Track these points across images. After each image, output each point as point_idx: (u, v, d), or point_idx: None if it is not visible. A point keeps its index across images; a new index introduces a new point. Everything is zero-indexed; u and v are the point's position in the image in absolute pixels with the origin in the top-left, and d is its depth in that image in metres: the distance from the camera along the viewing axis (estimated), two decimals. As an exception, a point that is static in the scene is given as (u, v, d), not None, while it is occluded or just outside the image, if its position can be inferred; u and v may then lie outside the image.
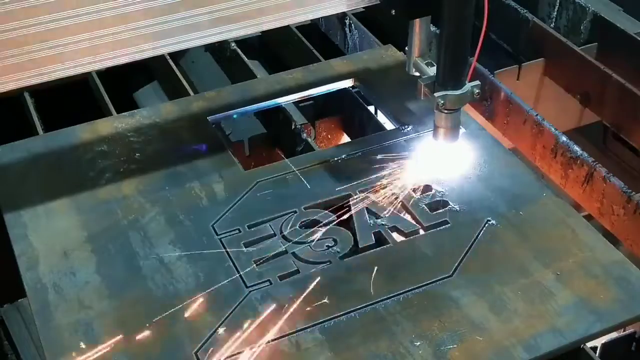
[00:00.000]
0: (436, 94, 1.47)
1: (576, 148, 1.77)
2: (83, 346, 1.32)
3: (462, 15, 1.39)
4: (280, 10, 1.47)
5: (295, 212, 1.55)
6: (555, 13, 2.36)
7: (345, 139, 2.01)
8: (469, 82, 1.48)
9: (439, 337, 1.32)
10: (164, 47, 1.46)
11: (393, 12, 1.48)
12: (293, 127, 1.84)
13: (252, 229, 1.52)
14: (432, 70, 1.52)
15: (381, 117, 1.87)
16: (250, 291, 1.40)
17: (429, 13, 1.50)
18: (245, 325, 1.34)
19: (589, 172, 1.73)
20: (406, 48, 1.58)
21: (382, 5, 1.54)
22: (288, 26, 2.10)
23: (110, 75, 2.04)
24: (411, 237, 1.51)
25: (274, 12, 1.46)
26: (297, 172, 1.64)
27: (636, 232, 1.66)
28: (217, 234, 1.51)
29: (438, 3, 1.40)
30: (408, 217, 1.55)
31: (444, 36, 1.43)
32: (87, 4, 1.35)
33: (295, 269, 1.44)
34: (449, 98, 1.47)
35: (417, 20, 1.52)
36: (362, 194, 1.58)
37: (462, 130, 1.72)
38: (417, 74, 1.56)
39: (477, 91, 1.48)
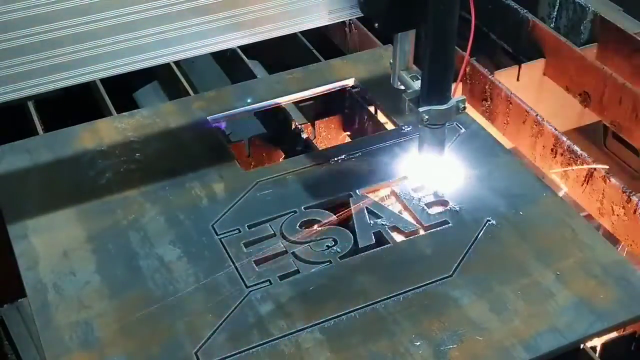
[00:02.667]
0: (420, 109, 1.45)
1: (576, 148, 1.77)
2: (83, 346, 1.32)
3: (446, 30, 1.37)
4: (257, 25, 1.46)
5: (295, 212, 1.55)
6: (555, 13, 2.36)
7: (345, 139, 2.01)
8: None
9: (439, 337, 1.32)
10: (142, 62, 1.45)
11: (376, 25, 1.46)
12: (293, 127, 1.84)
13: (252, 229, 1.52)
14: (416, 84, 1.50)
15: (381, 117, 1.87)
16: (250, 291, 1.40)
17: (412, 27, 1.48)
18: (245, 325, 1.34)
19: (589, 172, 1.73)
20: (390, 61, 1.56)
21: (366, 17, 1.51)
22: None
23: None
24: (411, 237, 1.51)
25: (250, 27, 1.45)
26: (297, 172, 1.65)
27: (636, 232, 1.66)
28: (217, 234, 1.51)
29: (421, 17, 1.37)
30: (408, 217, 1.55)
31: (428, 51, 1.40)
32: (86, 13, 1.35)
33: (295, 269, 1.44)
34: (434, 113, 1.45)
35: (402, 33, 1.50)
36: (362, 194, 1.58)
37: (462, 130, 1.74)
38: (402, 87, 1.54)
39: (463, 106, 1.46)
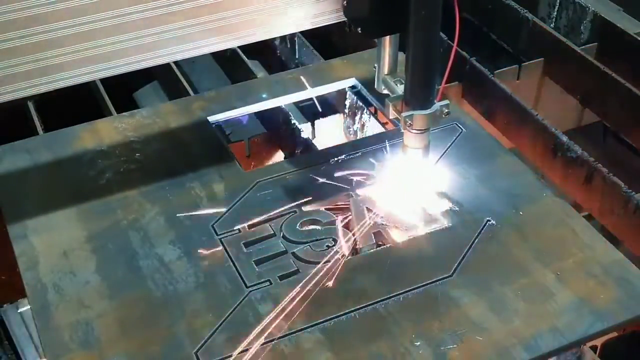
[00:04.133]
0: (404, 114, 1.44)
1: (576, 148, 1.77)
2: (83, 346, 1.32)
3: (429, 35, 1.36)
4: (241, 29, 1.45)
5: (295, 212, 1.55)
6: (555, 13, 2.36)
7: (345, 139, 2.01)
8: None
9: (439, 337, 1.32)
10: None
11: (359, 29, 1.45)
12: (293, 127, 1.84)
13: (252, 229, 1.52)
14: (401, 89, 1.48)
15: (381, 117, 1.87)
16: (250, 291, 1.40)
17: (395, 31, 1.46)
18: (245, 325, 1.34)
19: (589, 172, 1.73)
20: (375, 65, 1.55)
21: (348, 22, 1.50)
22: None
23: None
24: (411, 237, 1.51)
25: (234, 31, 1.45)
26: (297, 172, 1.65)
27: (636, 232, 1.66)
28: (217, 234, 1.51)
29: (404, 22, 1.36)
30: (408, 217, 1.55)
31: (411, 56, 1.39)
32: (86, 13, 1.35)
33: (295, 268, 1.44)
34: (417, 118, 1.44)
35: (387, 37, 1.49)
36: (362, 194, 1.59)
37: (462, 130, 1.73)
38: (386, 91, 1.53)
39: (446, 111, 1.45)
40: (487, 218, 1.53)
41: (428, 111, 1.44)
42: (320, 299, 1.38)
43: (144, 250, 1.49)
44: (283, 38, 2.25)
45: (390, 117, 1.49)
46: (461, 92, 2.08)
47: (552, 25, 2.34)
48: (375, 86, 1.56)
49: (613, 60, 2.10)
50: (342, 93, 1.94)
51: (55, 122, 1.85)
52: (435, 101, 1.44)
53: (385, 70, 1.53)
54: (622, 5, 2.39)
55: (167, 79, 2.18)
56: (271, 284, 1.41)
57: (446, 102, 1.45)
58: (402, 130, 1.49)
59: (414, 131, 1.46)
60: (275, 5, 1.45)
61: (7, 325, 1.85)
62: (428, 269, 1.44)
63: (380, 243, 1.51)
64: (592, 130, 2.27)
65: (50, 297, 1.40)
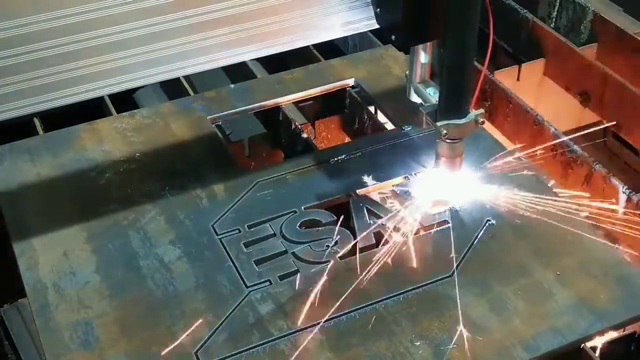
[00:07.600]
0: (439, 124, 1.42)
1: (576, 148, 1.77)
2: (83, 346, 1.32)
3: (465, 43, 1.34)
4: (273, 37, 1.44)
5: (295, 212, 1.55)
6: (555, 13, 2.36)
7: (345, 139, 2.01)
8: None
9: (439, 337, 1.32)
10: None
11: (393, 37, 1.42)
12: (293, 127, 1.84)
13: (252, 229, 1.52)
14: (435, 98, 1.46)
15: (381, 117, 1.87)
16: (250, 291, 1.40)
17: (430, 39, 1.43)
18: (245, 325, 1.34)
19: (589, 172, 1.73)
20: (406, 72, 1.53)
21: (381, 30, 1.48)
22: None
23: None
24: (411, 237, 1.51)
25: (266, 39, 1.43)
26: (297, 172, 1.65)
27: (636, 232, 1.66)
28: (217, 234, 1.51)
29: (439, 30, 1.34)
30: (408, 217, 1.55)
31: (446, 64, 1.37)
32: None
33: (295, 269, 1.44)
34: (452, 127, 1.42)
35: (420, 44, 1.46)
36: (362, 194, 1.59)
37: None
38: (418, 100, 1.51)
39: (481, 120, 1.42)
40: (487, 218, 1.53)
41: (463, 120, 1.42)
42: (320, 299, 1.38)
43: (144, 250, 1.49)
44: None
45: (424, 126, 1.47)
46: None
47: (552, 25, 2.34)
48: (407, 95, 1.53)
49: (613, 60, 2.10)
50: (342, 93, 1.94)
51: (55, 122, 1.85)
52: (470, 110, 1.42)
53: (417, 78, 1.50)
54: (622, 5, 2.39)
55: (168, 79, 2.17)
56: (271, 284, 1.41)
57: (481, 111, 1.43)
58: (437, 140, 1.47)
59: (448, 141, 1.45)
60: (306, 13, 1.44)
61: (7, 325, 1.85)
62: (428, 269, 1.44)
63: (380, 243, 1.51)
64: (592, 130, 2.27)
65: (50, 297, 1.40)
